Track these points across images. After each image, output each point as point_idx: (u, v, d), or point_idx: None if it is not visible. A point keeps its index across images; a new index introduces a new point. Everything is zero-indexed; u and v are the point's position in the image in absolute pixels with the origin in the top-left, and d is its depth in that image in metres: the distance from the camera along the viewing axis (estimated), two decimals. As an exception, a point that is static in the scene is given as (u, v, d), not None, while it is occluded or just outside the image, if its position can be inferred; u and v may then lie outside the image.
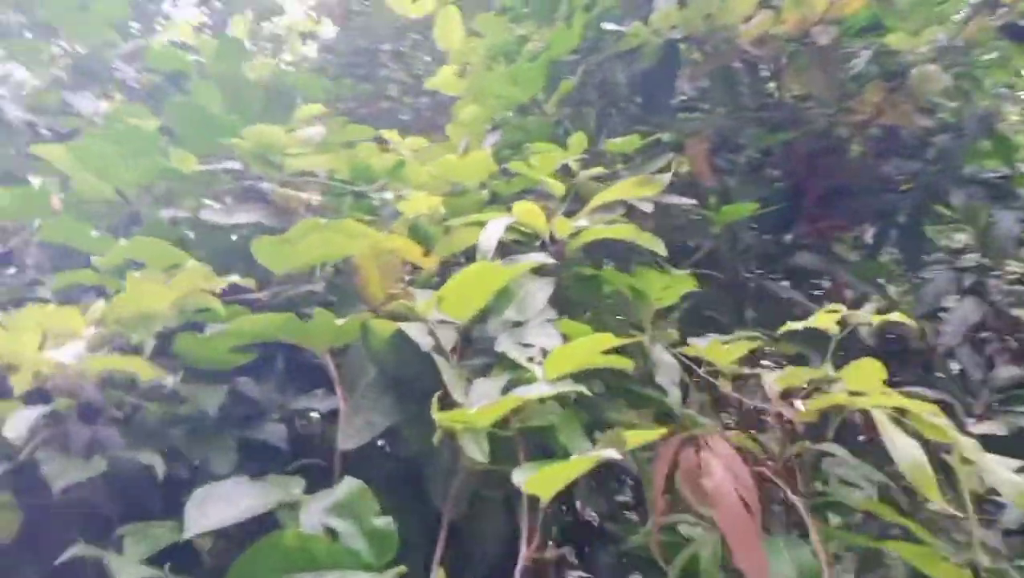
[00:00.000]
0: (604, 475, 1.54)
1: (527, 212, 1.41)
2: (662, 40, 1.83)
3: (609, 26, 1.78)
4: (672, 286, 1.32)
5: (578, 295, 1.44)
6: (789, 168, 2.09)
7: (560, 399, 1.19)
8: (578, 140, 1.67)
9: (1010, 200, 1.96)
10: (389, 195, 1.58)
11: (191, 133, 1.57)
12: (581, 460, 0.85)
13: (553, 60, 1.89)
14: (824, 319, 1.18)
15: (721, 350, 1.20)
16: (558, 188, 1.54)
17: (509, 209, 1.53)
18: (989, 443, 1.75)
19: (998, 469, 1.12)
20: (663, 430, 0.98)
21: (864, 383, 1.15)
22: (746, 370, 1.20)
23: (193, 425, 1.07)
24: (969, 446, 1.15)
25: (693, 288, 1.33)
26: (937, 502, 1.07)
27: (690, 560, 1.19)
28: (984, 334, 1.87)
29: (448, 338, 1.17)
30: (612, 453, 0.83)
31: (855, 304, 2.13)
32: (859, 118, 1.89)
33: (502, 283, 1.19)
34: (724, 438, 1.21)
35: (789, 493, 1.16)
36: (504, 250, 1.48)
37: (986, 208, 1.96)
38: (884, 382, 1.18)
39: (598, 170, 1.59)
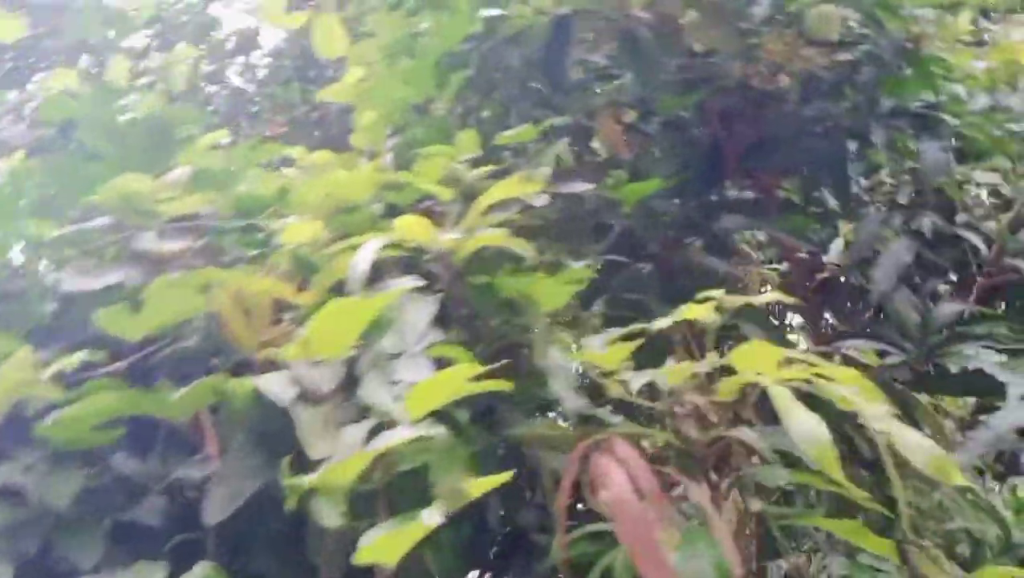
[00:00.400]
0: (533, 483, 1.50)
1: (410, 227, 1.35)
2: (549, 18, 1.76)
3: (487, 12, 1.70)
4: (559, 288, 1.26)
5: (478, 305, 1.39)
6: (709, 129, 2.02)
7: (453, 426, 1.15)
8: (468, 139, 1.60)
9: (937, 129, 1.89)
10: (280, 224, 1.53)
11: (66, 190, 1.51)
12: (418, 526, 0.80)
13: (446, 53, 1.82)
14: (697, 310, 1.12)
15: (603, 354, 1.14)
16: (445, 194, 1.48)
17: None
18: (938, 385, 1.71)
19: (909, 436, 1.07)
20: (507, 474, 0.93)
21: (757, 365, 1.09)
22: (627, 373, 1.14)
23: (54, 519, 1.03)
24: (879, 414, 1.09)
25: (581, 285, 1.27)
26: (841, 481, 1.02)
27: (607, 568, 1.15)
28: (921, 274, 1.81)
29: (327, 378, 1.12)
30: (436, 517, 0.78)
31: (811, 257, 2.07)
32: (765, 68, 1.82)
33: (372, 315, 1.13)
34: (628, 440, 1.16)
35: (694, 487, 1.11)
36: (405, 266, 1.43)
37: (912, 141, 1.89)
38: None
39: (487, 169, 1.52)
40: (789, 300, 1.25)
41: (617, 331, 1.25)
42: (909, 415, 1.58)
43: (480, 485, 0.87)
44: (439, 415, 1.08)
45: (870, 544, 1.18)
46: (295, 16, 1.93)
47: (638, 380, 1.09)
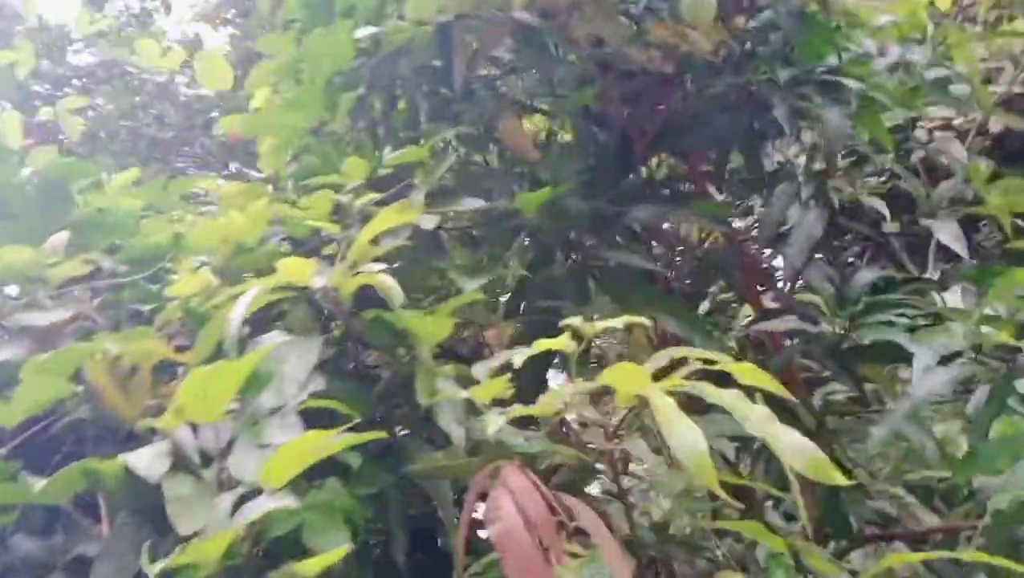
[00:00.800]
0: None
1: (292, 270, 1.34)
2: (432, 28, 1.73)
3: (359, 33, 1.67)
4: (440, 322, 1.25)
5: (371, 339, 1.39)
6: (616, 119, 1.99)
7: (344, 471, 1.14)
8: (355, 165, 1.58)
9: (839, 94, 1.86)
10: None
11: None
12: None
13: (335, 73, 1.79)
14: (560, 342, 1.11)
15: (480, 388, 1.13)
16: (333, 229, 1.46)
17: (309, 254, 1.47)
18: (852, 359, 1.71)
19: (787, 438, 1.06)
20: (341, 551, 0.92)
21: (628, 385, 1.09)
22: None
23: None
24: (760, 417, 1.09)
25: (452, 324, 1.26)
26: (718, 492, 1.02)
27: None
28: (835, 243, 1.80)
29: (212, 440, 1.12)
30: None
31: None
32: (657, 53, 1.79)
33: (243, 374, 1.12)
34: (522, 465, 1.16)
35: (582, 510, 1.11)
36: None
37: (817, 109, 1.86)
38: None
39: (371, 196, 1.50)
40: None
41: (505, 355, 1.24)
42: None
43: (315, 563, 0.87)
44: (325, 465, 1.09)
45: (770, 542, 1.18)
46: (173, 55, 1.90)
47: (511, 413, 1.08)
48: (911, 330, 1.54)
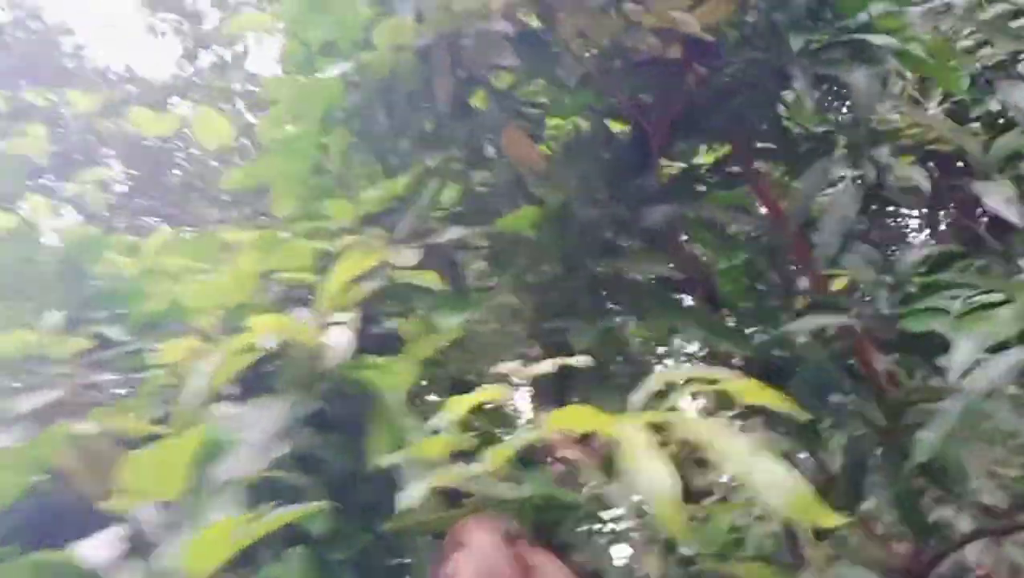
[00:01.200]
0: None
1: (264, 326, 1.30)
2: (413, 52, 1.66)
3: (335, 72, 1.62)
4: (401, 375, 1.17)
5: (351, 390, 1.33)
6: (631, 120, 1.86)
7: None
8: (339, 207, 1.54)
9: (868, 53, 1.66)
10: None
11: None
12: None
13: (327, 111, 1.76)
14: (463, 403, 1.01)
15: (423, 444, 1.05)
16: (309, 278, 1.42)
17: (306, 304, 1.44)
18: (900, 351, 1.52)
19: (766, 476, 0.92)
20: None
21: (577, 424, 0.98)
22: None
23: None
24: (736, 449, 0.95)
25: (416, 372, 1.18)
26: (681, 540, 0.90)
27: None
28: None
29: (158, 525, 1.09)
30: None
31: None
32: (654, 39, 1.65)
33: (195, 445, 1.09)
34: (489, 521, 1.07)
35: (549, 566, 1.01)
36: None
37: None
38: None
39: (351, 239, 1.45)
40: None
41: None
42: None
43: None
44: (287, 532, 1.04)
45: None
46: (165, 119, 1.91)
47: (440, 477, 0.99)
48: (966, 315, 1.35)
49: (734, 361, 1.78)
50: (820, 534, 2.07)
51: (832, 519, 0.91)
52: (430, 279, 1.46)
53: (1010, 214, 1.41)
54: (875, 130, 1.68)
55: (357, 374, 1.20)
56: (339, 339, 1.17)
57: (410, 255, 1.38)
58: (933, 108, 2.17)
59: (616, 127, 1.97)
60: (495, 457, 1.00)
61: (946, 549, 1.75)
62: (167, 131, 1.92)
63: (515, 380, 1.51)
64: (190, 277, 1.73)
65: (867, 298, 1.51)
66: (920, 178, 1.50)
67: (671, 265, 1.83)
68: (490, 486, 1.20)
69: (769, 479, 0.92)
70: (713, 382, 1.14)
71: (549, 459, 1.24)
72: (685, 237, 1.96)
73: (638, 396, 1.18)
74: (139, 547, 1.06)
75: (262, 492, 1.16)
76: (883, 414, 1.63)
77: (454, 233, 1.46)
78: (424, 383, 1.59)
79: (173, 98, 6.70)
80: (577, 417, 0.98)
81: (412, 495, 0.91)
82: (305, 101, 1.72)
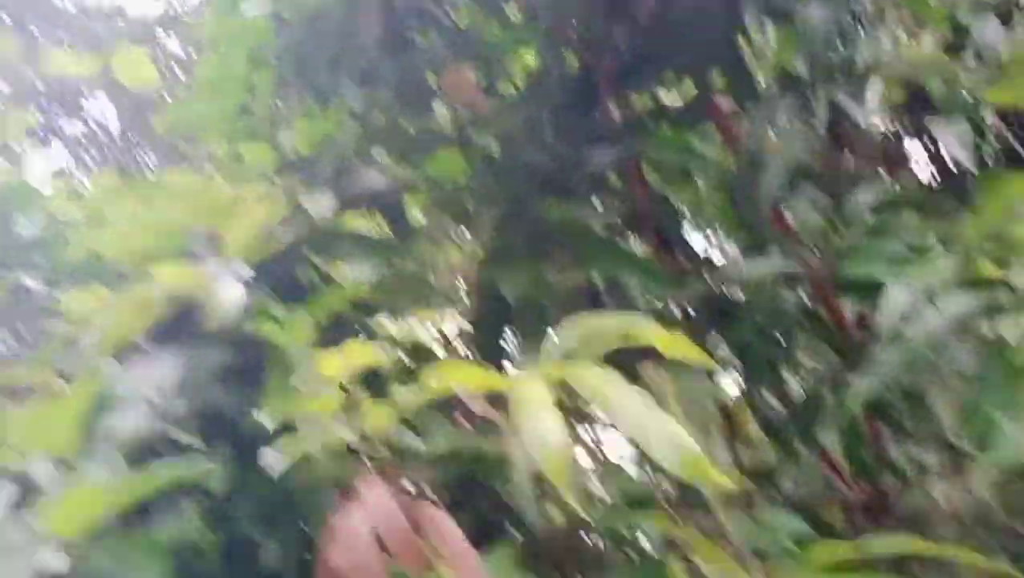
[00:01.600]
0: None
1: (171, 277, 1.24)
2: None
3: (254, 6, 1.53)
4: (296, 332, 1.12)
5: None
6: (575, 54, 1.77)
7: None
8: (257, 153, 1.47)
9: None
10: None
11: None
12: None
13: (252, 51, 1.66)
14: (335, 364, 0.94)
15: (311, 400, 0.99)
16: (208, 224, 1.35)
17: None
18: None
19: (658, 433, 0.87)
20: None
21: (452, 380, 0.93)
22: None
23: None
24: (630, 407, 0.90)
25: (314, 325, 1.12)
26: (569, 499, 0.85)
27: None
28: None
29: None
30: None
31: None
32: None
33: (84, 404, 1.04)
34: (385, 475, 1.03)
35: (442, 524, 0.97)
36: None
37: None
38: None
39: (265, 186, 1.38)
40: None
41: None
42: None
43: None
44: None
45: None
46: (86, 60, 1.83)
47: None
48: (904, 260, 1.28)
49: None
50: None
51: (723, 480, 0.86)
52: (355, 226, 1.40)
53: (962, 156, 1.33)
54: (831, 67, 1.58)
55: (255, 327, 1.14)
56: (229, 292, 1.11)
57: (325, 202, 1.31)
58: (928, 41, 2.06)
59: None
60: (375, 416, 0.95)
61: (904, 486, 1.72)
62: (89, 72, 1.83)
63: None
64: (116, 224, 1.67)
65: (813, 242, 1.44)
66: (862, 117, 1.41)
67: (626, 206, 1.77)
68: (403, 439, 1.16)
69: (662, 439, 0.87)
70: (630, 332, 1.10)
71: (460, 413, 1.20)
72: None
73: (553, 346, 1.13)
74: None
75: (163, 448, 1.13)
76: (840, 355, 1.59)
77: (375, 179, 1.39)
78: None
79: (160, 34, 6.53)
80: (460, 373, 0.93)
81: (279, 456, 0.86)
82: (231, 40, 1.63)
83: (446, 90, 1.72)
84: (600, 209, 1.62)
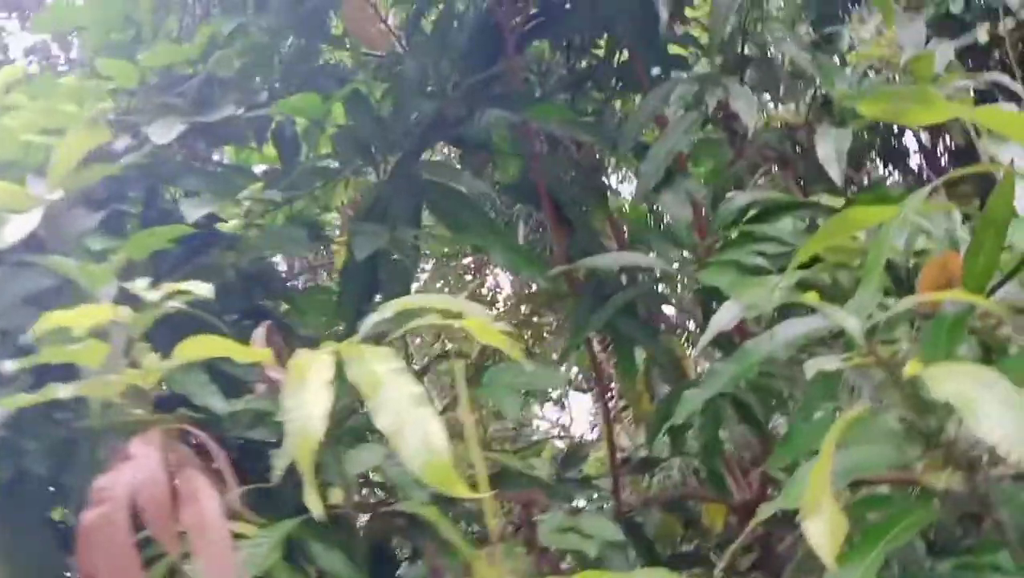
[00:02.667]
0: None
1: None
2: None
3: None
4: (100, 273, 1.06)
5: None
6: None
7: None
8: (120, 70, 1.38)
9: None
10: None
11: None
12: None
13: None
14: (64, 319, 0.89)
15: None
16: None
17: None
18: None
19: (415, 434, 0.84)
20: None
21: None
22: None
23: None
24: (394, 400, 0.86)
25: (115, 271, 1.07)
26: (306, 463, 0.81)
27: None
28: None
29: None
30: None
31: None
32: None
33: None
34: (159, 434, 0.99)
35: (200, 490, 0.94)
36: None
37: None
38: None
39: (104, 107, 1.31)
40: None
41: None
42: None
43: None
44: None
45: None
46: None
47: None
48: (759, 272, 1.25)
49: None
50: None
51: (463, 490, 0.83)
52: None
53: (831, 169, 1.27)
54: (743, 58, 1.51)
55: (56, 265, 1.08)
56: (19, 223, 1.05)
57: (166, 131, 1.24)
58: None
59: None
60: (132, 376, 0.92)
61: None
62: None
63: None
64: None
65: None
66: (743, 109, 1.34)
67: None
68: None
69: (415, 442, 0.84)
70: (447, 314, 1.06)
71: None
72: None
73: (368, 322, 1.09)
74: None
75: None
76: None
77: (222, 112, 1.31)
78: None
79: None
80: (203, 346, 0.89)
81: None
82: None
83: (345, 20, 1.63)
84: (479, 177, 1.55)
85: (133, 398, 0.97)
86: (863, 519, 1.00)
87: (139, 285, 0.95)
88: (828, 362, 0.99)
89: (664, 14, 1.46)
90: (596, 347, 2.09)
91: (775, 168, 1.61)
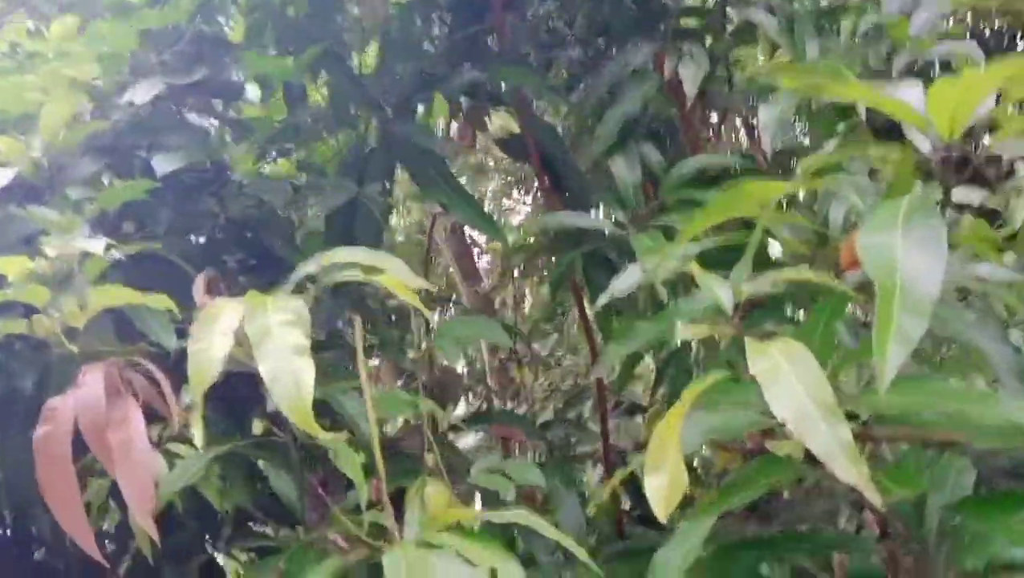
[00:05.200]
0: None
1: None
2: None
3: None
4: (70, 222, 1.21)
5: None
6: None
7: None
8: (114, 32, 1.51)
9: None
10: None
11: None
12: None
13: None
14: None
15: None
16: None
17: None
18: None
19: (284, 379, 0.94)
20: None
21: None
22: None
23: None
24: (273, 347, 0.96)
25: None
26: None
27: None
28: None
29: None
30: None
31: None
32: None
33: None
34: (110, 365, 1.13)
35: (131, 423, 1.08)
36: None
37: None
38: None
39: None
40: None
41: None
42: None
43: None
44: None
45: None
46: None
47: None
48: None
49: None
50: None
51: (316, 430, 0.94)
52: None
53: (766, 137, 1.28)
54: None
55: (32, 214, 1.24)
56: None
57: (143, 91, 1.37)
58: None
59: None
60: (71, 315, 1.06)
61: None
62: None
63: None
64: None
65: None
66: (687, 76, 1.36)
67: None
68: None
69: (286, 387, 0.94)
70: (368, 270, 1.16)
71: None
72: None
73: (296, 273, 1.20)
74: None
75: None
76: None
77: (198, 73, 1.43)
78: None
79: None
80: (110, 295, 1.02)
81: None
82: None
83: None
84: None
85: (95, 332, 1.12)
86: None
87: (83, 241, 1.09)
88: (697, 330, 1.04)
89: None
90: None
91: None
